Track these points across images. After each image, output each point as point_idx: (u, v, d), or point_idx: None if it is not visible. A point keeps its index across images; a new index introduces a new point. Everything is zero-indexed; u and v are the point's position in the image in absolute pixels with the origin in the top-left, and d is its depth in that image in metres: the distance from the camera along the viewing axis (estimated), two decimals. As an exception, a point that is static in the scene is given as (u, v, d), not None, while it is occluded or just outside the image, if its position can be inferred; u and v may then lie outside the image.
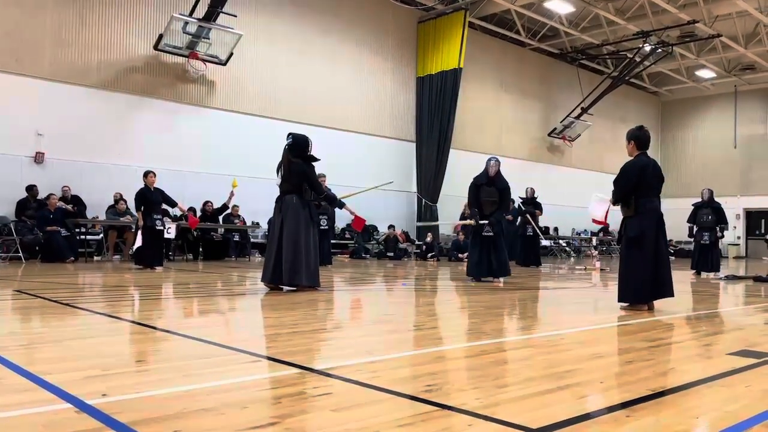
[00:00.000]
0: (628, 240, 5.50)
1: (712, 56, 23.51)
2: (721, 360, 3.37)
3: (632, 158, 5.63)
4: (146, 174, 10.46)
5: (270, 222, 6.95)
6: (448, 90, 18.59)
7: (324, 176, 12.49)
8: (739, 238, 26.08)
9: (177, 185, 13.30)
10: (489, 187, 8.78)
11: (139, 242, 10.15)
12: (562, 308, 6.40)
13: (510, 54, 22.26)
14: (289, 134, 7.01)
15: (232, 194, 13.17)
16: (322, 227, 12.33)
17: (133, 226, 13.08)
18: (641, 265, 5.42)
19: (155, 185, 10.42)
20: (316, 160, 7.01)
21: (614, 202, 5.72)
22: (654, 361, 3.42)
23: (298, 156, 6.86)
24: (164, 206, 10.76)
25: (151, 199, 10.28)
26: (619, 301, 5.64)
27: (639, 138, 5.65)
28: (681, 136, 28.53)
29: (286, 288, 6.74)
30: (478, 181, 8.90)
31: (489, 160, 8.99)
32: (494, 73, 21.69)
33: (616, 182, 5.63)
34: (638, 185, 5.48)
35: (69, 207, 12.14)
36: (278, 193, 6.99)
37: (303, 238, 6.72)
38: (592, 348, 3.73)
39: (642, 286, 5.43)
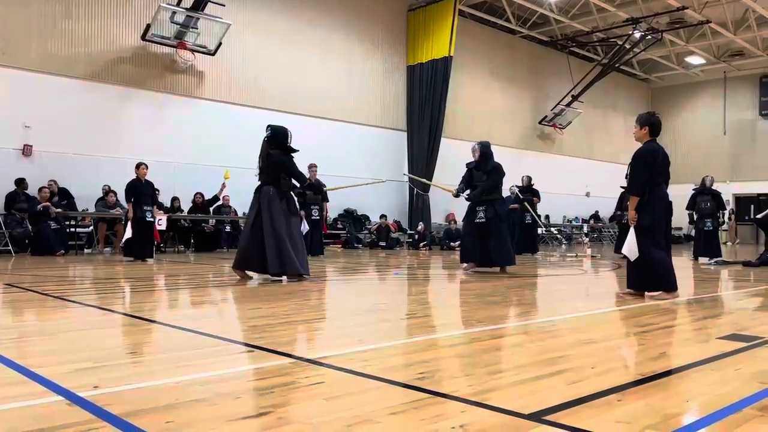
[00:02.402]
0: (639, 229, 5.27)
1: (702, 42, 23.56)
2: (712, 344, 3.40)
3: (643, 144, 5.38)
4: (138, 166, 10.45)
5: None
6: (438, 78, 18.54)
7: (315, 166, 12.47)
8: (729, 220, 26.27)
9: (167, 177, 13.25)
10: (478, 171, 8.62)
11: (128, 234, 10.11)
12: (554, 295, 6.43)
13: (500, 42, 22.22)
14: (269, 126, 7.09)
15: (223, 185, 13.11)
16: (314, 217, 12.29)
17: (124, 218, 13.06)
18: (660, 252, 5.25)
19: (146, 177, 10.41)
20: (294, 151, 7.07)
21: (635, 192, 5.29)
22: (645, 346, 3.45)
23: (276, 147, 6.94)
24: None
25: (142, 190, 10.27)
26: (636, 288, 5.41)
27: (654, 124, 5.40)
28: (671, 122, 28.60)
29: (254, 276, 6.86)
30: (469, 166, 8.83)
31: (473, 145, 8.93)
32: (485, 62, 21.64)
33: (633, 171, 5.31)
34: (651, 172, 5.28)
35: (57, 211, 11.94)
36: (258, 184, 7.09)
37: (284, 228, 6.77)
38: (583, 334, 3.75)
39: (670, 272, 5.29)
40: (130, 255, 10.21)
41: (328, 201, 12.98)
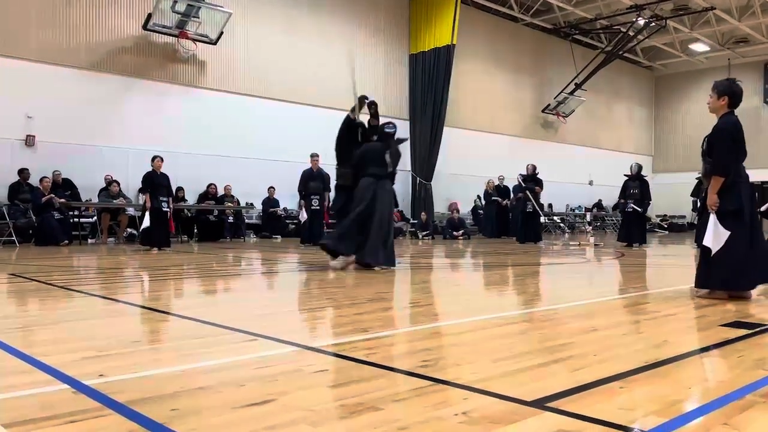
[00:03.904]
0: (723, 215, 4.45)
1: (706, 29, 23.39)
2: (714, 331, 3.40)
3: (723, 117, 4.63)
4: (153, 158, 10.95)
5: (359, 198, 6.74)
6: (441, 67, 18.45)
7: (317, 155, 12.45)
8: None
9: (168, 167, 13.21)
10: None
11: (146, 223, 10.56)
12: (557, 283, 6.44)
13: (503, 30, 22.09)
14: (393, 124, 7.42)
15: None
16: (314, 207, 12.30)
17: (127, 209, 13.15)
18: (740, 243, 4.43)
19: (162, 170, 10.91)
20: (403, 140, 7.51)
21: (722, 172, 4.46)
22: (647, 334, 3.46)
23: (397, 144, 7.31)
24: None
25: (158, 182, 10.78)
26: (702, 287, 4.66)
27: (736, 93, 4.64)
28: (675, 110, 28.49)
29: (379, 267, 6.96)
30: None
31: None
32: (487, 50, 21.52)
33: (719, 147, 4.51)
34: (737, 149, 4.55)
35: (61, 201, 12.02)
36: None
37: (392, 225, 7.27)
38: (586, 322, 3.76)
39: (744, 268, 4.44)
40: (148, 244, 10.63)
41: (329, 191, 12.99)
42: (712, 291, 4.62)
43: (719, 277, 4.53)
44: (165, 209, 10.78)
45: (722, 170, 4.47)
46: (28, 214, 11.85)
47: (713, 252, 4.51)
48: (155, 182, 10.76)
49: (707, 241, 4.56)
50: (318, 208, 12.37)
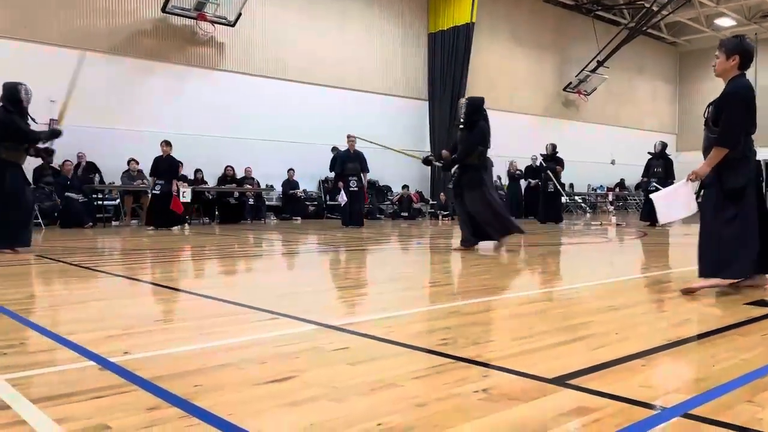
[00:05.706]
0: (726, 193, 3.86)
1: (732, 3, 22.78)
2: (738, 310, 3.36)
3: (734, 80, 3.93)
4: (161, 143, 11.60)
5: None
6: (460, 46, 18.23)
7: (354, 137, 12.41)
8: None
9: (188, 149, 13.33)
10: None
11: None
12: (578, 263, 6.40)
13: (523, 6, 21.73)
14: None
15: None
16: (352, 189, 12.30)
17: (148, 191, 13.35)
18: (744, 225, 3.84)
19: (169, 154, 11.51)
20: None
21: (731, 144, 3.80)
22: (669, 312, 3.43)
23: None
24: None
25: (157, 166, 11.53)
26: (704, 275, 4.00)
27: (748, 52, 3.95)
28: (700, 87, 27.87)
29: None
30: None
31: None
32: (507, 27, 21.21)
33: (730, 114, 3.82)
34: (749, 117, 3.91)
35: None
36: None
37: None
38: (607, 301, 3.73)
39: (746, 252, 3.83)
40: (149, 225, 11.60)
41: (368, 171, 12.93)
42: (730, 277, 3.95)
43: (713, 264, 3.93)
44: (155, 192, 11.57)
45: (730, 141, 3.79)
46: (52, 197, 12.04)
47: (661, 221, 4.08)
48: (156, 166, 11.54)
49: (657, 196, 4.17)
50: (357, 189, 12.39)
